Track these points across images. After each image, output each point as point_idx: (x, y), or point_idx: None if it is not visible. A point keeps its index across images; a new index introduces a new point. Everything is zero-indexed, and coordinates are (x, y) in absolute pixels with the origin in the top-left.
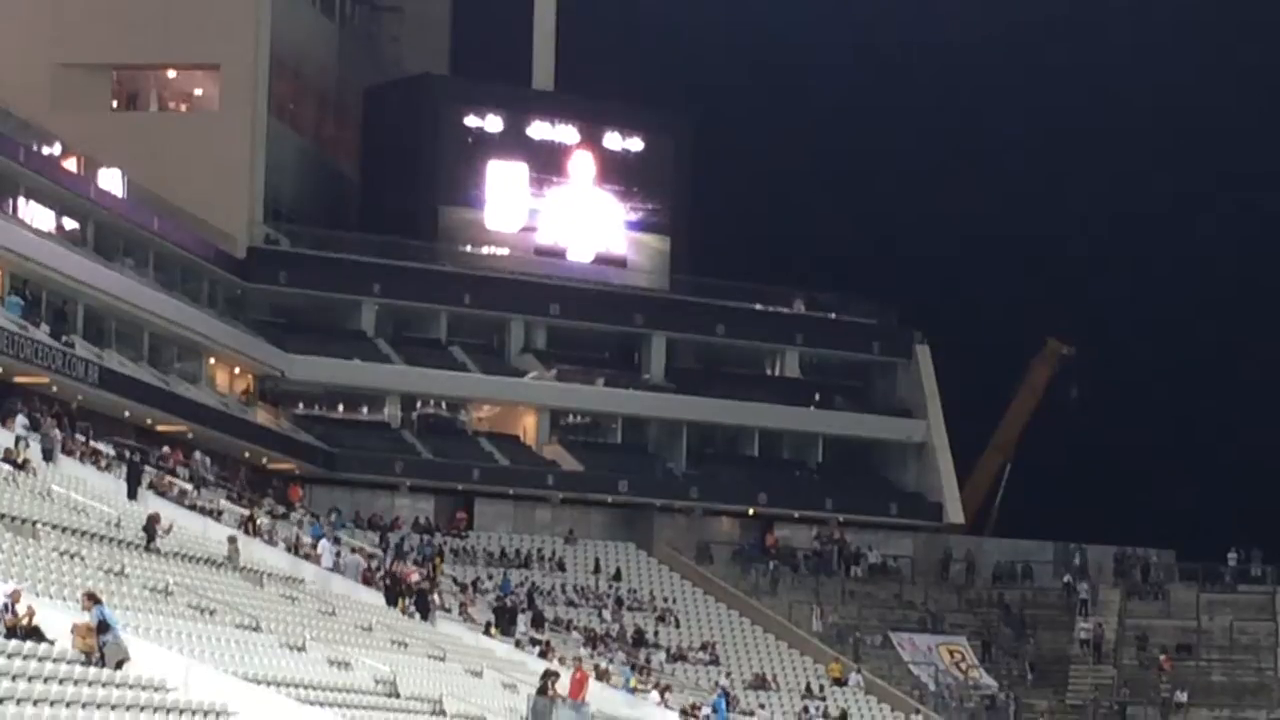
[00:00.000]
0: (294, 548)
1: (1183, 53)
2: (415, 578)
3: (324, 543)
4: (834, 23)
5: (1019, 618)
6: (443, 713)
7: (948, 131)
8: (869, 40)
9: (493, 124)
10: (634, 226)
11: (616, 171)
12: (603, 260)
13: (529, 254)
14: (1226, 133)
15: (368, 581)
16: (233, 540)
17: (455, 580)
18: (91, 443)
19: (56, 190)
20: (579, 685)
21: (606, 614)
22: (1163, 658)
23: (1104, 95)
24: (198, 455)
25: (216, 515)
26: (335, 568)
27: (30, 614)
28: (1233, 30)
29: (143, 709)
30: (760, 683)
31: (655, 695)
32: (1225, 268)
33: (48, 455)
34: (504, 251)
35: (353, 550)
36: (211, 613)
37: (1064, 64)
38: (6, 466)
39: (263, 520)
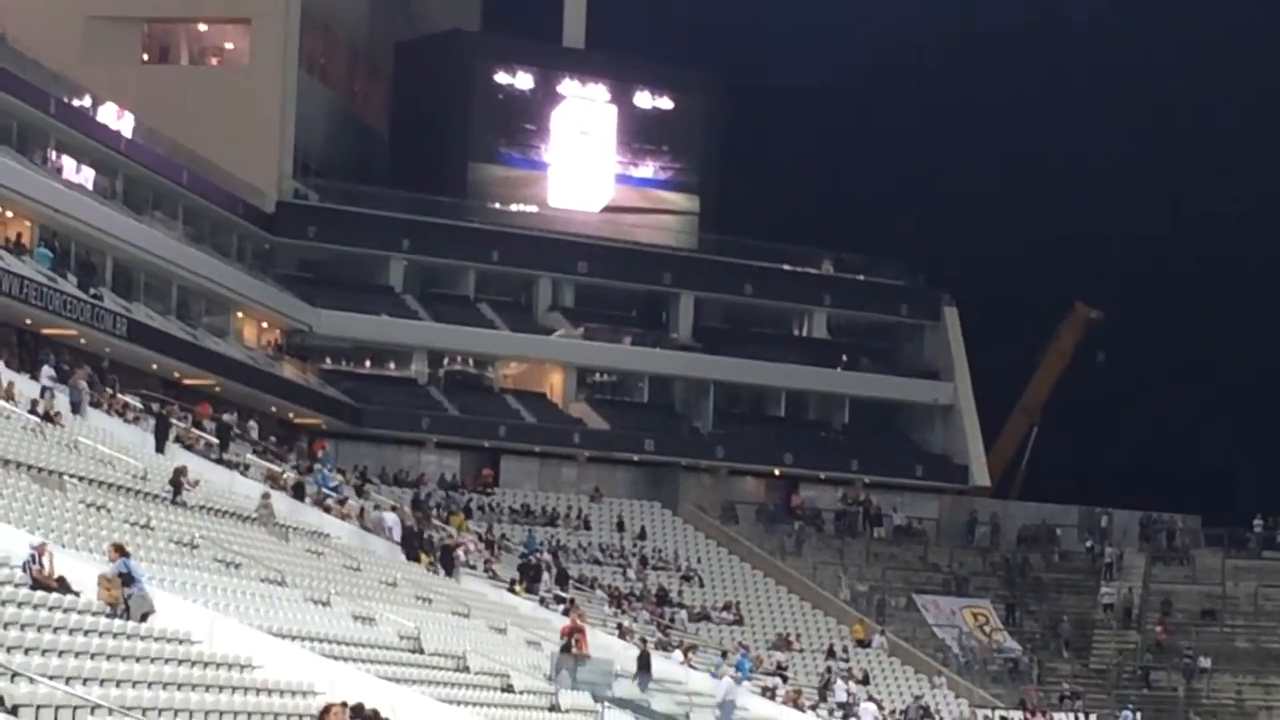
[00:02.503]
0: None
1: (1212, 19)
2: (470, 548)
3: (389, 515)
4: None
5: (1043, 581)
6: (466, 669)
7: (979, 92)
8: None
9: (523, 81)
10: (663, 185)
11: (646, 130)
12: (629, 218)
13: (557, 211)
14: (1259, 95)
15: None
16: (265, 496)
17: (480, 536)
18: (119, 395)
19: (86, 143)
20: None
21: (631, 573)
22: (1158, 629)
23: (1137, 55)
24: (252, 423)
25: (244, 469)
26: (402, 540)
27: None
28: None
29: (167, 661)
30: (783, 643)
31: (679, 655)
32: (1255, 232)
33: (75, 407)
34: (533, 209)
35: (392, 508)
36: (237, 566)
37: (1095, 23)
38: (34, 418)
39: (289, 475)
